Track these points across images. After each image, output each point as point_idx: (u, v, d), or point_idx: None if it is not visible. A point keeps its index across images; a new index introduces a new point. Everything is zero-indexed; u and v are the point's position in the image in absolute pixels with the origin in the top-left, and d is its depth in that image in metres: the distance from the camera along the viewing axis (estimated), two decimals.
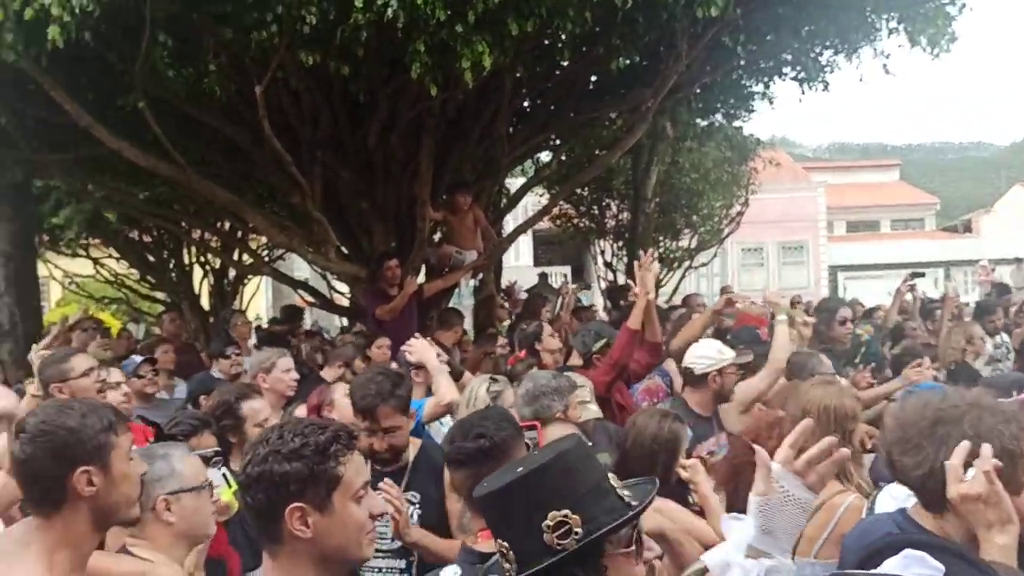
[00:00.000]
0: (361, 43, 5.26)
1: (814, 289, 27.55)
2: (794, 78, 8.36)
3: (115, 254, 13.90)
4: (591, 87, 8.45)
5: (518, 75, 6.63)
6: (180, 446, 2.57)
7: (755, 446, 1.82)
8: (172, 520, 2.40)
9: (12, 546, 2.04)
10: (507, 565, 1.73)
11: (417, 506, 3.12)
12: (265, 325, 11.17)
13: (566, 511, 1.67)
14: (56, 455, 2.02)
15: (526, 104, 8.64)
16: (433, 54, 5.28)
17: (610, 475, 1.73)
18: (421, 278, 7.59)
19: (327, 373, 5.75)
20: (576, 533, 1.66)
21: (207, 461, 2.71)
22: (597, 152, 10.31)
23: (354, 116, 7.08)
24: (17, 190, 9.39)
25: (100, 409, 2.14)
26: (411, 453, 3.24)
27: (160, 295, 14.31)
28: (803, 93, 8.41)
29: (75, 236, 12.81)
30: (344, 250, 7.61)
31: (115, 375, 4.14)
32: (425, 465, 3.13)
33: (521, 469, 1.76)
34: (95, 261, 14.37)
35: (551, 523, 1.66)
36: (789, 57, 8.15)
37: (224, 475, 2.79)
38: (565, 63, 6.94)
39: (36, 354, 4.88)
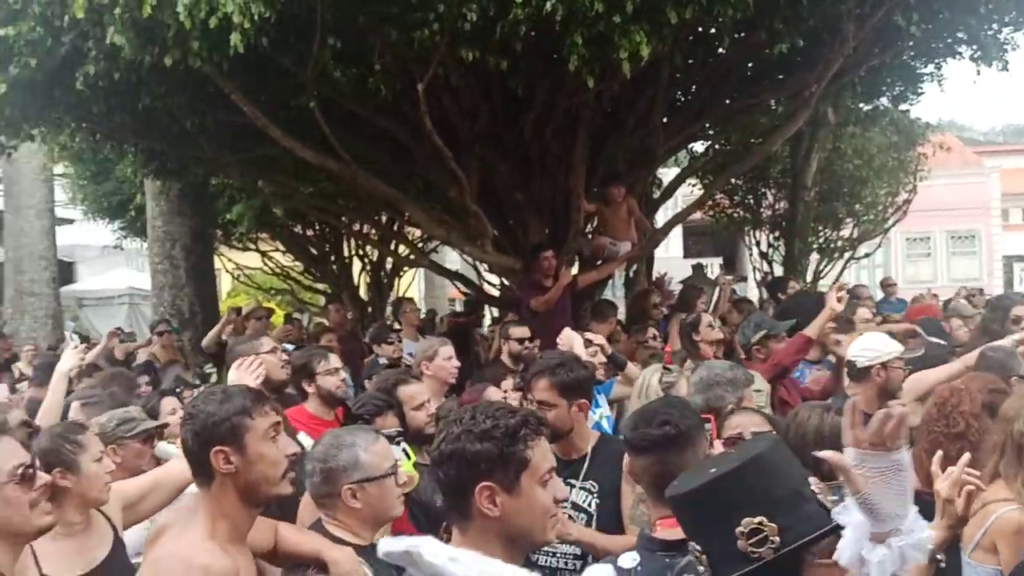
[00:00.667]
0: (520, 38, 5.32)
1: (986, 281, 25.87)
2: (970, 58, 7.86)
3: (281, 247, 14.63)
4: (748, 73, 8.24)
5: (675, 64, 6.53)
6: (368, 434, 2.68)
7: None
8: (358, 507, 2.53)
9: (185, 513, 2.32)
10: (701, 568, 1.73)
11: (595, 496, 3.14)
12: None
13: (761, 518, 1.64)
14: (197, 436, 2.24)
15: (680, 93, 8.51)
16: (590, 46, 5.28)
17: (812, 480, 1.69)
18: (575, 269, 7.63)
19: (506, 355, 5.86)
20: (773, 542, 1.62)
21: (390, 440, 2.84)
22: (754, 140, 10.05)
23: (511, 110, 7.18)
24: (197, 189, 10.08)
25: (240, 394, 2.31)
26: (590, 444, 3.26)
27: (321, 286, 14.98)
28: (978, 73, 7.90)
29: (245, 231, 13.55)
30: (500, 242, 7.73)
31: (333, 360, 4.35)
32: (603, 456, 3.15)
33: (714, 471, 1.74)
34: (263, 254, 15.18)
35: (745, 530, 1.64)
36: (964, 35, 7.68)
37: (404, 450, 2.93)
38: (723, 50, 6.78)
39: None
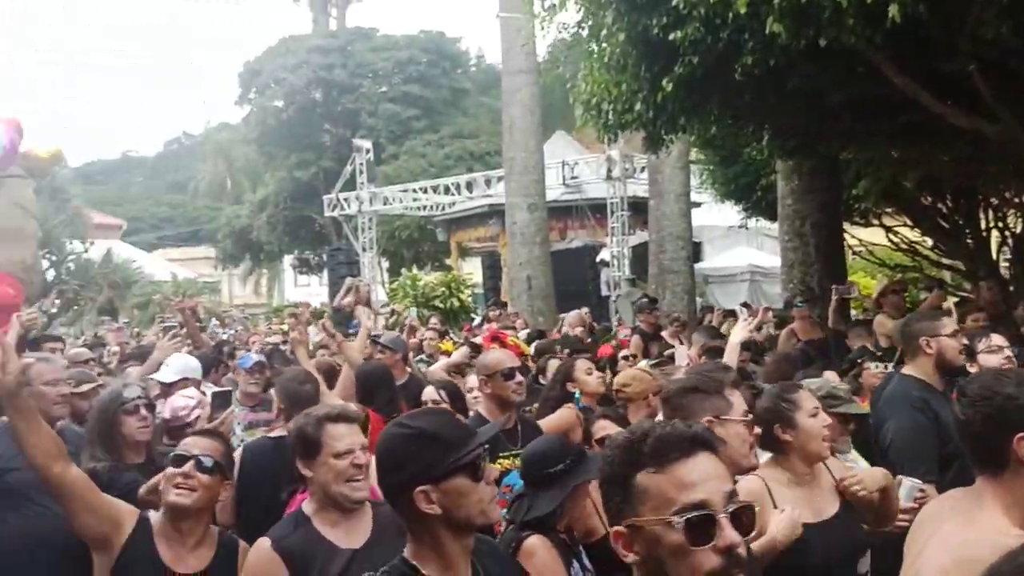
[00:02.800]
0: None
1: None
2: None
3: (908, 222, 13.98)
4: None
5: None
6: None
7: None
8: None
9: (968, 503, 2.20)
10: None
11: None
12: None
13: None
14: (991, 419, 2.11)
15: None
16: None
17: None
18: None
19: None
20: None
21: None
22: None
23: None
24: (827, 166, 10.17)
25: None
26: None
27: (948, 262, 13.95)
28: None
29: (871, 206, 13.25)
30: None
31: (996, 339, 4.20)
32: None
33: None
34: (887, 229, 14.68)
35: None
36: None
37: None
38: None
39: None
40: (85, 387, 4.73)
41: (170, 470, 3.00)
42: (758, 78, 6.42)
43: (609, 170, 18.30)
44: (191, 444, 3.09)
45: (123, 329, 12.04)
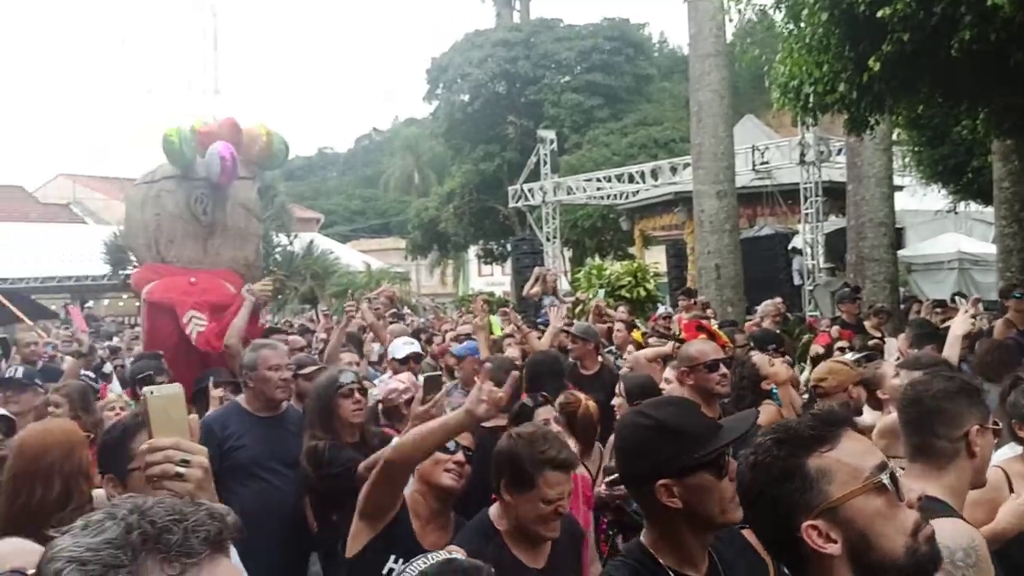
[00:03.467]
0: None
1: None
2: None
3: None
4: None
5: None
6: None
7: None
8: None
9: None
10: None
11: None
12: None
13: None
14: None
15: None
16: None
17: None
18: None
19: None
20: None
21: None
22: None
23: None
24: None
25: None
26: None
27: None
28: None
29: None
30: None
31: None
32: None
33: None
34: None
35: None
36: None
37: None
38: None
39: None
40: (309, 369, 5.10)
41: (439, 454, 3.19)
42: (976, 54, 6.03)
43: (803, 154, 17.56)
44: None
45: (330, 317, 12.77)
